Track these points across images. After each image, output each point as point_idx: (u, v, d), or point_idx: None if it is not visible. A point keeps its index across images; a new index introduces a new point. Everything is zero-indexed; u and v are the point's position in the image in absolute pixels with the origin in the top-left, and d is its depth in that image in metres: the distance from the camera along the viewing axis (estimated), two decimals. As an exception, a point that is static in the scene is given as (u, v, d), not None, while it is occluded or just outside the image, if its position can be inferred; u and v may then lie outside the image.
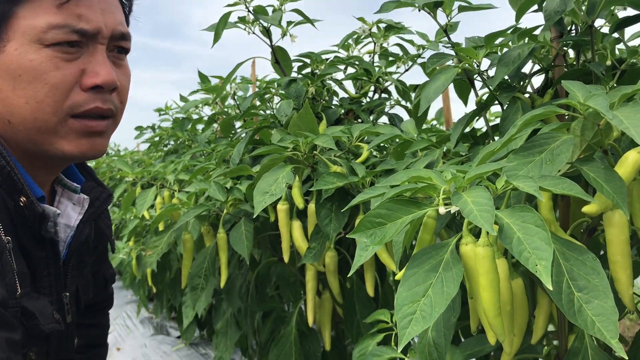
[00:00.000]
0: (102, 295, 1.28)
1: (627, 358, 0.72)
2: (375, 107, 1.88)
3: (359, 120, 1.87)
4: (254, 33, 1.85)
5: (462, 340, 1.35)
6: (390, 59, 1.96)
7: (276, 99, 1.95)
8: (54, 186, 1.00)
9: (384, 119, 2.02)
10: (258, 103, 2.12)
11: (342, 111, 1.90)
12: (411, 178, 0.78)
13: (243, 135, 2.04)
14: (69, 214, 0.99)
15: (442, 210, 0.76)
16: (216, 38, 1.80)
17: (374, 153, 1.74)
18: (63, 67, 0.82)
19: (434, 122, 2.82)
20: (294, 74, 1.92)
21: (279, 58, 1.87)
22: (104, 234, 1.14)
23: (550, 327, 1.21)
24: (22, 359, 0.83)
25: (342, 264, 1.71)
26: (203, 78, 2.72)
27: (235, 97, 2.56)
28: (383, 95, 1.96)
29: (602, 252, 1.21)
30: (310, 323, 1.65)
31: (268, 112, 1.99)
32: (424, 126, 1.86)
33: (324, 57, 1.87)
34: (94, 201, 1.02)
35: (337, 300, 1.65)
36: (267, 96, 1.92)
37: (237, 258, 2.02)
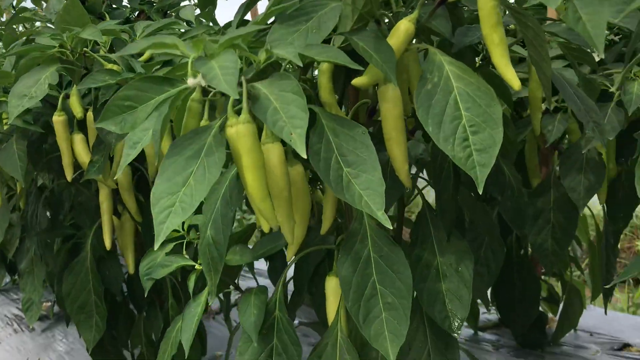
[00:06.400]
0: None
1: (391, 227, 0.70)
2: (170, 7, 1.70)
3: (152, 22, 1.69)
4: None
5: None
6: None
7: None
8: None
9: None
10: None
11: (132, 14, 1.70)
12: (152, 45, 0.66)
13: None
14: None
15: (191, 81, 0.66)
16: None
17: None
18: None
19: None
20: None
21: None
22: None
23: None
24: None
25: (141, 181, 1.58)
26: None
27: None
28: (178, -6, 1.78)
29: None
30: (108, 246, 1.50)
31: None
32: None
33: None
34: None
35: (136, 218, 1.52)
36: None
37: (33, 185, 1.79)
